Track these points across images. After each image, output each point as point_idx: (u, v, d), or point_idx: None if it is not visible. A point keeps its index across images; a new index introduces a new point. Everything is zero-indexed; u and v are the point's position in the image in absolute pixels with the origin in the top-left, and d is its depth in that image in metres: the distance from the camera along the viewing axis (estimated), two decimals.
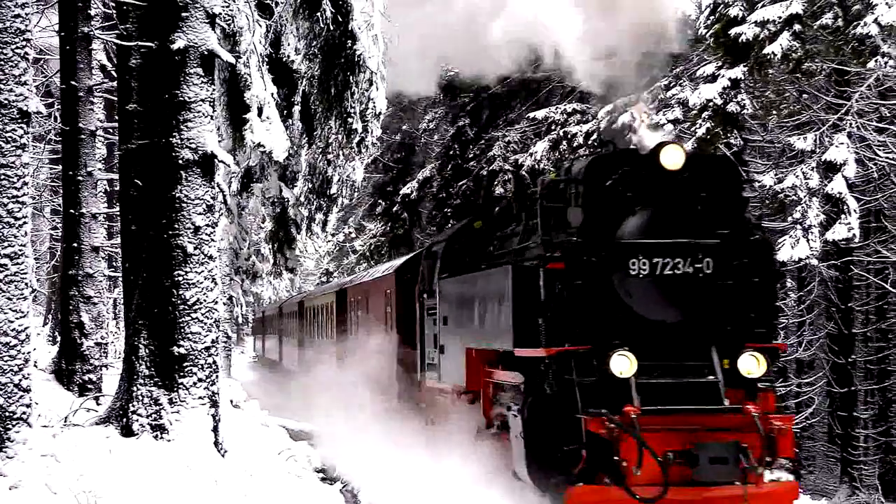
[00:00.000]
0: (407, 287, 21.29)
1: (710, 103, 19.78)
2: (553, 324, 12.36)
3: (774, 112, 21.65)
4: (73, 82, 21.05)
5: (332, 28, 16.30)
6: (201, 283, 13.20)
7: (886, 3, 16.93)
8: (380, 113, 17.96)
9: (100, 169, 26.08)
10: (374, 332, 24.74)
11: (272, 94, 15.93)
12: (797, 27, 18.29)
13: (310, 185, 30.72)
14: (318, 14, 16.17)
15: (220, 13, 13.80)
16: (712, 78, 20.22)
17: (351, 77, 17.09)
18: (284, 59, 16.68)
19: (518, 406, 12.89)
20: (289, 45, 16.60)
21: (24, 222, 10.28)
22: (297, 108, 17.20)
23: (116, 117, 21.63)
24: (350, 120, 17.47)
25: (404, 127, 39.91)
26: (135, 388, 13.05)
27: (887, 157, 19.97)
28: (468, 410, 15.77)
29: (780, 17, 18.32)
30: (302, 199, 30.29)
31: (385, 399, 23.09)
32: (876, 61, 17.39)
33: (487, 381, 14.80)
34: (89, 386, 20.43)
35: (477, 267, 15.98)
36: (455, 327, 16.07)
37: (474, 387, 15.23)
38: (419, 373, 19.49)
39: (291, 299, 51.90)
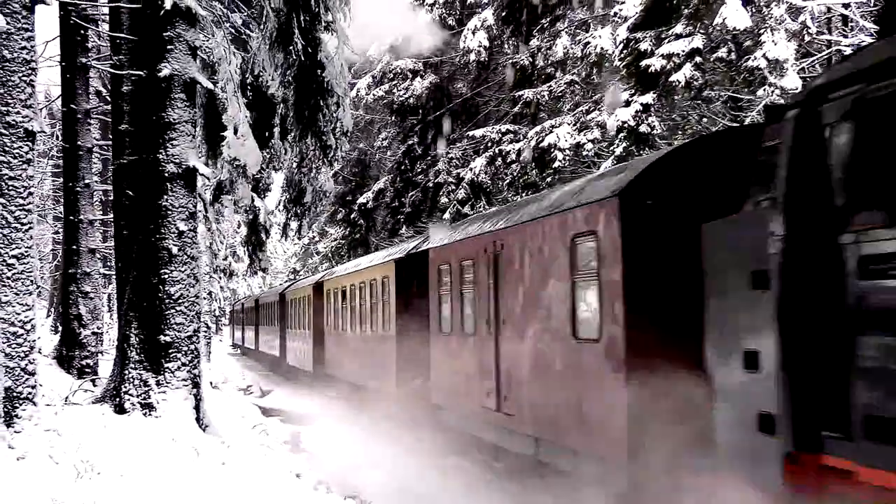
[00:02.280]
0: (663, 228, 9.45)
1: (625, 125, 19.92)
2: None
3: (679, 132, 21.90)
4: (72, 105, 21.06)
5: (304, 59, 16.31)
6: (184, 280, 13.19)
7: (773, 42, 17.16)
8: (347, 131, 17.95)
9: (96, 181, 26.02)
10: (531, 338, 12.16)
11: (246, 115, 15.95)
12: (698, 59, 18.47)
13: (287, 196, 30.76)
14: (291, 47, 16.19)
15: (201, 46, 13.85)
16: (626, 103, 20.39)
17: (321, 101, 17.08)
18: (262, 87, 16.70)
19: None
20: (265, 73, 16.62)
21: (30, 227, 10.24)
22: (276, 130, 17.21)
23: (110, 136, 21.68)
24: (325, 137, 17.45)
25: (361, 145, 39.90)
26: (126, 372, 13.02)
27: None
28: None
29: (683, 51, 18.47)
30: (280, 208, 30.26)
31: None
32: (764, 90, 17.58)
33: None
34: (87, 370, 20.44)
35: None
36: None
37: None
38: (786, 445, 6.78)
39: (299, 282, 40.53)
